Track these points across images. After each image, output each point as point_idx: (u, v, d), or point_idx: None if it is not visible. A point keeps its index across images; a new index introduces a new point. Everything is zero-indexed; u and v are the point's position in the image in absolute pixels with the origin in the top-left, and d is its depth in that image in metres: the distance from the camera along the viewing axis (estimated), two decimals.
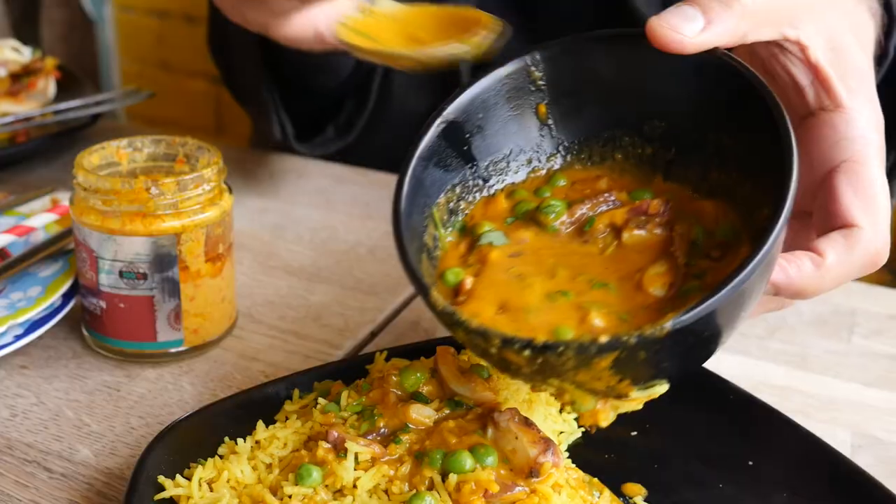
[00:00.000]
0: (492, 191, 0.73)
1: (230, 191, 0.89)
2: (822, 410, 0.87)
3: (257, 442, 0.71)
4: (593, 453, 0.76)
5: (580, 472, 0.71)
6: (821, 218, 0.70)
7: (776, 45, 0.71)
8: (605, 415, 0.65)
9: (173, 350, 0.88)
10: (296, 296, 1.01)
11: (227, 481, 0.67)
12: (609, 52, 0.70)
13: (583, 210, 0.70)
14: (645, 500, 0.72)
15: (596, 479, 0.72)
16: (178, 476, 0.67)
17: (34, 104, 1.38)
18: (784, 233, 0.58)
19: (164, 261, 0.84)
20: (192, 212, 0.84)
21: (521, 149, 0.74)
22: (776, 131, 0.61)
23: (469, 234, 0.71)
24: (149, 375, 0.87)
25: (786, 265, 0.66)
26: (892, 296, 1.08)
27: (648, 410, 0.80)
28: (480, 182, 0.73)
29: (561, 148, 0.74)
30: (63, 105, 1.34)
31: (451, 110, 0.70)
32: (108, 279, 0.84)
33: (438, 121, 0.69)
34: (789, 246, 0.68)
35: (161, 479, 0.67)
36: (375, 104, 1.25)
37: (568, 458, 0.74)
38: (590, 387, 0.61)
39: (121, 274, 0.84)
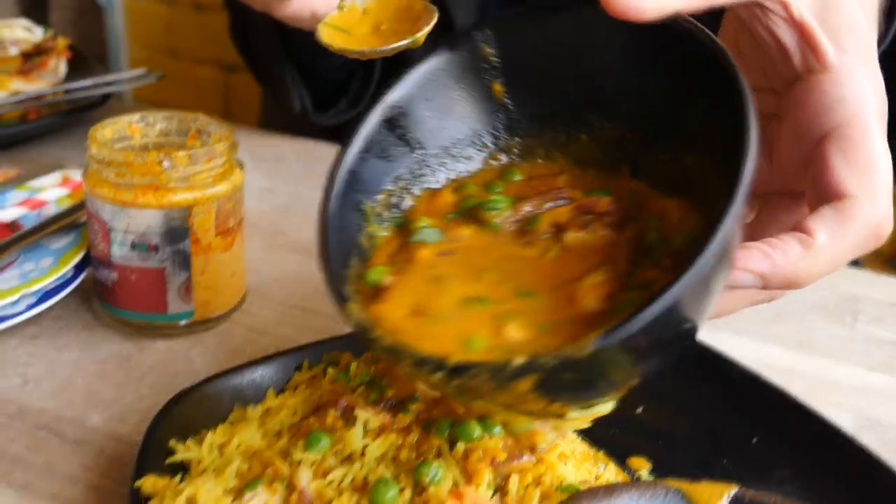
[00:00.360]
0: (440, 183, 0.68)
1: (241, 166, 0.90)
2: (826, 393, 0.88)
3: (267, 410, 0.72)
4: (598, 428, 0.76)
5: (585, 445, 0.72)
6: (813, 194, 0.63)
7: (756, 5, 0.63)
8: (544, 436, 0.61)
9: (183, 322, 0.88)
10: (304, 273, 1.02)
11: (238, 446, 0.68)
12: (565, 22, 0.64)
13: (528, 208, 0.64)
14: (650, 474, 0.73)
15: (601, 452, 0.73)
16: (188, 440, 0.68)
17: (45, 83, 1.39)
18: (737, 228, 0.52)
19: (176, 233, 0.85)
20: (203, 185, 0.85)
21: (477, 132, 0.68)
22: (733, 103, 0.53)
23: (405, 230, 0.65)
24: (159, 347, 0.87)
25: (770, 251, 0.59)
26: (892, 282, 1.09)
27: (653, 388, 0.81)
28: (429, 171, 0.68)
29: (521, 129, 0.68)
30: (74, 84, 1.35)
31: (393, 95, 0.65)
32: (119, 251, 0.85)
33: (379, 108, 0.65)
34: (779, 230, 0.63)
35: (172, 443, 0.68)
36: (381, 78, 1.30)
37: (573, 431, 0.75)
38: (520, 409, 0.57)
39: (133, 246, 0.85)
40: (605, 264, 0.58)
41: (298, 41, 1.25)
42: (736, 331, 0.96)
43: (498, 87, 0.67)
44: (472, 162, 0.68)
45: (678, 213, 0.60)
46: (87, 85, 1.36)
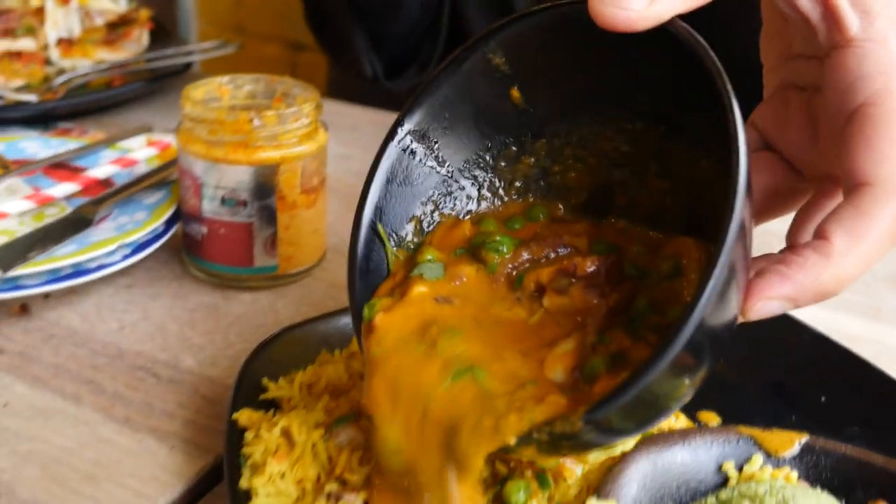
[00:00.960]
0: (467, 206, 0.68)
1: (325, 128, 0.94)
2: (893, 360, 0.89)
3: (352, 353, 0.75)
4: None
5: None
6: (842, 182, 0.57)
7: None
8: (571, 472, 0.61)
9: (267, 276, 0.92)
10: None
11: (325, 386, 0.72)
12: (563, 33, 0.61)
13: (525, 255, 0.63)
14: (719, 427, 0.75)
15: None
16: (280, 380, 0.72)
17: (129, 53, 1.44)
18: (736, 264, 0.50)
19: (264, 190, 0.89)
20: (290, 144, 0.89)
21: (504, 142, 0.67)
22: (722, 118, 0.51)
23: (413, 259, 0.65)
24: (244, 298, 0.92)
25: (788, 272, 0.55)
26: None
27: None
28: (457, 188, 0.68)
29: (546, 130, 0.66)
30: (156, 53, 1.40)
31: (408, 119, 0.64)
32: (210, 206, 0.89)
33: (396, 135, 0.65)
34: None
35: (265, 381, 0.72)
36: (447, 41, 1.34)
37: None
38: (538, 459, 0.60)
39: (222, 201, 0.89)
40: (576, 332, 0.58)
41: (367, 8, 1.31)
42: None
43: (516, 93, 0.65)
44: (505, 168, 0.68)
45: (696, 251, 0.58)
46: (168, 54, 1.41)
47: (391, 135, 0.65)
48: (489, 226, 0.66)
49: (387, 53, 1.46)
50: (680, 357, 0.49)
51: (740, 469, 0.64)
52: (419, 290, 0.61)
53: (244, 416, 0.68)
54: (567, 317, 0.60)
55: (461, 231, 0.66)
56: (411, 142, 0.65)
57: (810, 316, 0.93)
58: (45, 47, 1.36)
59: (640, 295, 0.59)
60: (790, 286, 0.55)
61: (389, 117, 1.39)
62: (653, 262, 0.61)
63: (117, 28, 1.45)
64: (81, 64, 1.38)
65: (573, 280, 0.61)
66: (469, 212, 0.68)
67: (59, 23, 1.36)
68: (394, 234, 0.66)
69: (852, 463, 0.64)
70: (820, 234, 0.55)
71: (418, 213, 0.67)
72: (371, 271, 0.64)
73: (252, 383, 0.72)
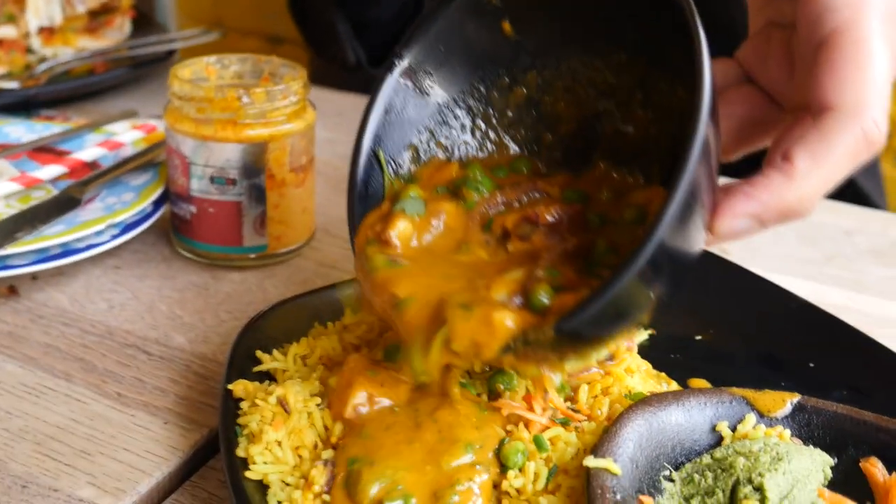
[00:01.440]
0: (464, 132, 0.71)
1: (314, 107, 0.94)
2: (879, 328, 0.90)
3: (345, 326, 0.76)
4: (659, 353, 0.80)
5: (649, 365, 0.75)
6: (811, 111, 0.60)
7: None
8: (550, 381, 0.64)
9: (256, 255, 0.92)
10: None
11: (320, 358, 0.72)
12: None
13: (500, 199, 0.67)
14: None
15: (663, 374, 0.76)
16: (274, 351, 0.72)
17: (111, 41, 1.43)
18: (699, 182, 0.52)
19: (252, 168, 0.88)
20: (278, 122, 0.89)
21: (496, 73, 0.71)
22: (689, 47, 0.54)
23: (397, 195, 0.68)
24: (234, 278, 0.91)
25: (753, 191, 0.58)
26: None
27: (711, 316, 0.84)
28: (452, 119, 0.71)
29: (538, 63, 0.70)
30: (139, 41, 1.39)
31: (405, 52, 0.68)
32: (199, 184, 0.89)
33: (393, 68, 0.68)
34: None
35: (259, 353, 0.72)
36: None
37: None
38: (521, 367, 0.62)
39: (211, 179, 0.89)
40: (527, 265, 0.62)
41: None
42: (790, 272, 0.98)
43: (507, 26, 0.69)
44: (497, 97, 0.71)
45: (663, 199, 0.57)
46: (150, 41, 1.40)
47: (389, 68, 0.68)
48: (475, 169, 0.69)
49: (370, 40, 1.46)
50: (647, 267, 0.51)
51: (734, 429, 0.64)
52: (401, 223, 0.64)
53: (239, 386, 0.68)
54: (528, 260, 0.63)
55: (448, 172, 0.69)
56: (408, 74, 0.69)
57: (796, 288, 0.94)
58: (27, 35, 1.35)
59: (600, 239, 0.62)
60: (755, 204, 0.57)
61: None
62: (618, 210, 0.64)
63: (99, 16, 1.44)
64: (63, 52, 1.37)
65: (536, 227, 0.64)
66: (464, 142, 0.71)
67: (40, 11, 1.35)
68: (392, 162, 0.69)
69: (844, 421, 0.65)
70: (784, 156, 0.58)
71: (415, 141, 0.70)
72: (369, 196, 0.67)
73: (245, 356, 0.72)
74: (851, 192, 1.27)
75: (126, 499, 0.65)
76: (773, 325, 0.83)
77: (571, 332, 0.55)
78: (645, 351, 0.80)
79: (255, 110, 0.87)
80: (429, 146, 0.71)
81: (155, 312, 0.85)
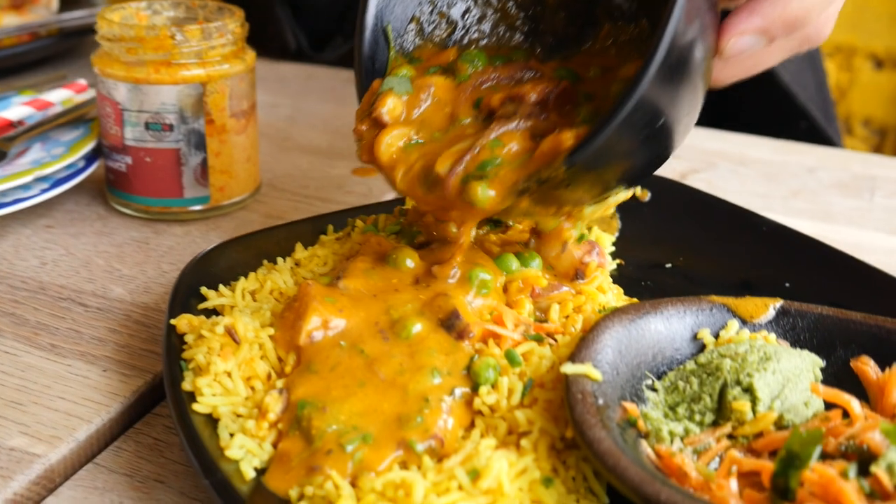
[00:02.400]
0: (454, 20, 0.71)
1: (254, 50, 0.89)
2: (850, 252, 0.88)
3: (297, 262, 0.71)
4: (630, 281, 0.76)
5: (620, 290, 0.71)
6: None
7: None
8: (568, 232, 0.65)
9: (199, 207, 0.87)
10: (316, 169, 1.01)
11: (270, 292, 0.67)
12: None
13: (493, 76, 0.66)
14: None
15: (635, 299, 0.72)
16: (221, 287, 0.67)
17: (37, 17, 1.36)
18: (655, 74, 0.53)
19: (190, 111, 0.83)
20: (216, 62, 0.83)
21: None
22: None
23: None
24: (176, 231, 0.86)
25: (755, 5, 0.59)
26: None
27: (681, 244, 0.81)
28: None
29: None
30: (67, 15, 1.33)
31: None
32: (133, 132, 0.84)
33: None
34: None
35: (204, 290, 0.67)
36: None
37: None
38: (540, 216, 0.63)
39: (147, 126, 0.83)
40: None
41: None
42: (755, 207, 0.95)
43: None
44: None
45: None
46: (77, 16, 1.34)
47: None
48: (473, 53, 0.68)
49: (311, 24, 1.41)
50: (655, 83, 0.52)
51: (716, 336, 0.61)
52: (389, 101, 0.63)
53: (183, 321, 0.62)
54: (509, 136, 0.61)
55: (446, 56, 0.68)
56: None
57: None
58: None
59: (584, 109, 0.61)
60: (759, 18, 0.57)
61: (316, 69, 1.34)
62: (605, 86, 0.62)
63: None
64: None
65: (520, 105, 0.62)
66: (465, 11, 0.71)
67: None
68: (398, 37, 0.68)
69: (830, 322, 0.61)
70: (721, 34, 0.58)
71: (417, 13, 0.69)
72: (376, 71, 0.67)
73: (189, 295, 0.67)
74: (811, 134, 1.25)
75: (62, 446, 0.59)
76: (745, 249, 0.79)
77: (583, 163, 0.55)
78: (614, 279, 0.77)
79: (189, 49, 0.82)
80: (431, 17, 0.70)
81: (91, 267, 0.80)
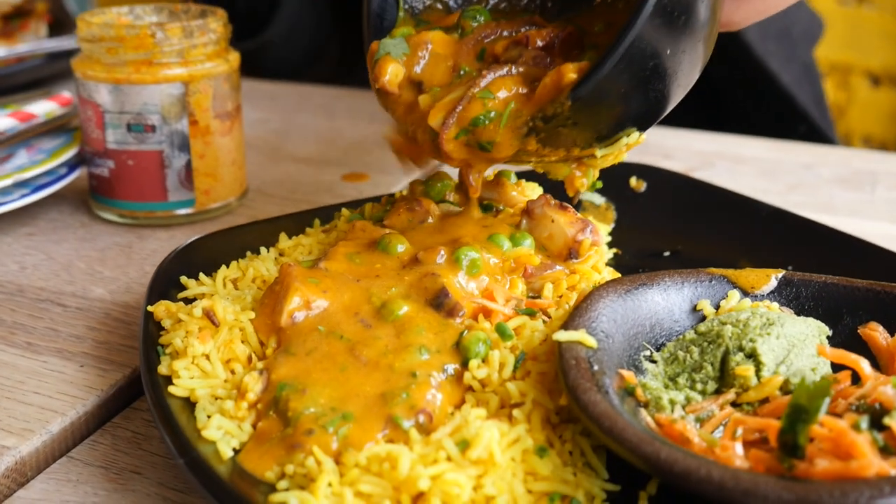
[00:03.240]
0: None
1: (238, 51, 0.87)
2: None
3: (280, 252, 0.68)
4: (627, 269, 0.73)
5: (615, 272, 0.68)
6: None
7: None
8: (580, 181, 0.64)
9: (184, 211, 0.85)
10: (305, 175, 0.99)
11: (253, 280, 0.64)
12: None
13: (497, 30, 0.66)
14: None
15: None
16: (201, 275, 0.65)
17: (27, 45, 1.36)
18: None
19: (173, 111, 0.81)
20: (199, 61, 0.82)
21: None
22: None
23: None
24: (160, 236, 0.84)
25: None
26: None
27: (678, 233, 0.78)
28: None
29: None
30: (55, 41, 1.32)
31: None
32: (115, 135, 0.82)
33: None
34: None
35: (184, 279, 0.64)
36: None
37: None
38: (549, 160, 0.62)
39: (129, 128, 0.81)
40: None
41: None
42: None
43: None
44: None
45: None
46: (65, 44, 1.33)
47: None
48: (475, 8, 0.68)
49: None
50: (655, 15, 0.52)
51: (717, 307, 0.58)
52: (390, 68, 0.63)
53: (160, 307, 0.60)
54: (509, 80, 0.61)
55: (451, 18, 0.67)
56: None
57: None
58: None
59: (588, 54, 0.60)
60: None
61: (309, 88, 1.33)
62: (610, 38, 0.60)
63: (12, 20, 1.37)
64: None
65: (525, 49, 0.60)
66: None
67: None
68: None
69: (835, 290, 0.59)
70: None
71: None
72: (384, 29, 0.67)
73: (168, 285, 0.64)
74: (810, 137, 1.23)
75: (34, 438, 0.56)
76: (744, 233, 0.77)
77: (587, 97, 0.55)
78: (611, 267, 0.74)
79: (171, 48, 0.80)
80: None
81: (72, 270, 0.77)
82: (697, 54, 0.58)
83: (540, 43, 0.61)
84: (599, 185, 0.65)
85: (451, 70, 0.63)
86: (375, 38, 0.65)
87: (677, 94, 0.59)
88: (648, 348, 0.55)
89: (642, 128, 0.61)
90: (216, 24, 0.83)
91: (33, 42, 1.37)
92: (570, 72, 0.55)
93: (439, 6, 0.69)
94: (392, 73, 0.62)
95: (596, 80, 0.54)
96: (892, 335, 0.55)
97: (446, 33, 0.65)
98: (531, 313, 0.58)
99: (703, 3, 0.56)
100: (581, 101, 0.55)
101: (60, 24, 1.45)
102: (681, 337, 0.56)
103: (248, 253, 0.69)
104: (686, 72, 0.58)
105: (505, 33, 0.65)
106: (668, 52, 0.55)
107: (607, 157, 0.62)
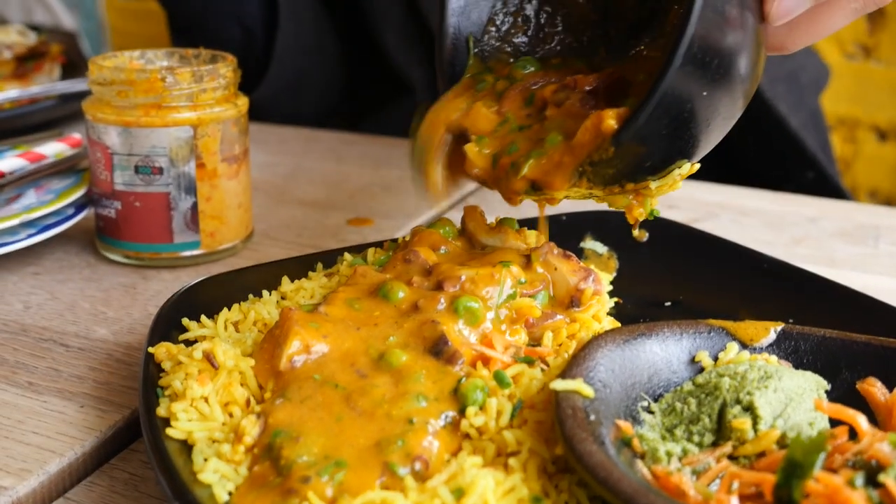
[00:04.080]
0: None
1: (246, 96, 0.88)
2: None
3: (283, 295, 0.69)
4: (628, 318, 0.74)
5: (615, 322, 0.69)
6: None
7: None
8: (637, 210, 0.65)
9: (189, 253, 0.85)
10: (311, 219, 0.99)
11: (254, 323, 0.65)
12: None
13: (546, 79, 0.68)
14: None
15: None
16: (203, 318, 0.65)
17: (40, 86, 1.38)
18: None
19: (181, 154, 0.82)
20: (208, 105, 0.83)
21: None
22: None
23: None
24: (165, 277, 0.84)
25: None
26: None
27: (680, 283, 0.78)
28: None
29: None
30: (68, 82, 1.34)
31: None
32: (123, 177, 0.83)
33: None
34: None
35: (185, 321, 0.65)
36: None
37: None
38: (607, 195, 0.64)
39: (136, 170, 0.82)
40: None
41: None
42: None
43: None
44: None
45: None
46: (79, 86, 1.35)
47: None
48: (526, 59, 0.71)
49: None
50: (689, 58, 0.54)
51: (715, 360, 0.58)
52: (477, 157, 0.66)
53: (161, 349, 0.60)
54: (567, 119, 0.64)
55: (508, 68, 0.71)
56: None
57: None
58: None
59: (629, 101, 0.62)
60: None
61: (318, 133, 1.34)
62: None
63: (27, 62, 1.39)
64: None
65: (573, 92, 0.63)
66: (539, 8, 0.73)
67: None
68: (477, 43, 0.72)
69: (833, 344, 0.59)
70: None
71: (493, 15, 0.72)
72: (456, 75, 0.70)
73: (170, 326, 0.65)
74: (819, 185, 1.24)
75: (31, 479, 0.56)
76: (745, 286, 0.77)
77: (628, 141, 0.57)
78: (612, 316, 0.74)
79: (180, 92, 0.81)
80: (506, 18, 0.73)
81: (76, 310, 0.78)
82: (736, 91, 0.60)
83: (587, 88, 0.64)
84: (658, 213, 0.67)
85: (496, 117, 0.66)
86: (450, 85, 0.69)
87: (723, 127, 0.62)
88: (646, 399, 0.55)
89: (692, 158, 0.63)
90: (226, 69, 0.84)
91: (46, 83, 1.39)
92: (610, 118, 0.58)
93: (508, 49, 0.72)
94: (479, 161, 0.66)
95: (634, 127, 0.56)
96: (890, 391, 0.55)
97: (501, 82, 0.69)
98: (530, 361, 0.58)
99: (739, 51, 0.58)
100: (622, 146, 0.57)
101: (74, 66, 1.48)
102: (678, 388, 0.56)
103: (251, 296, 0.69)
104: (727, 105, 0.60)
105: (553, 80, 0.68)
106: (705, 94, 0.57)
107: (662, 187, 0.64)
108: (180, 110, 0.82)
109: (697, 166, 0.64)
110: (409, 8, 1.36)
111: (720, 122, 0.61)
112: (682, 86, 0.55)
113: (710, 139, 0.62)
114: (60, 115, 1.29)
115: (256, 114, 1.32)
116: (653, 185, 0.63)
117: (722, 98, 0.59)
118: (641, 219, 0.65)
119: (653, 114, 0.56)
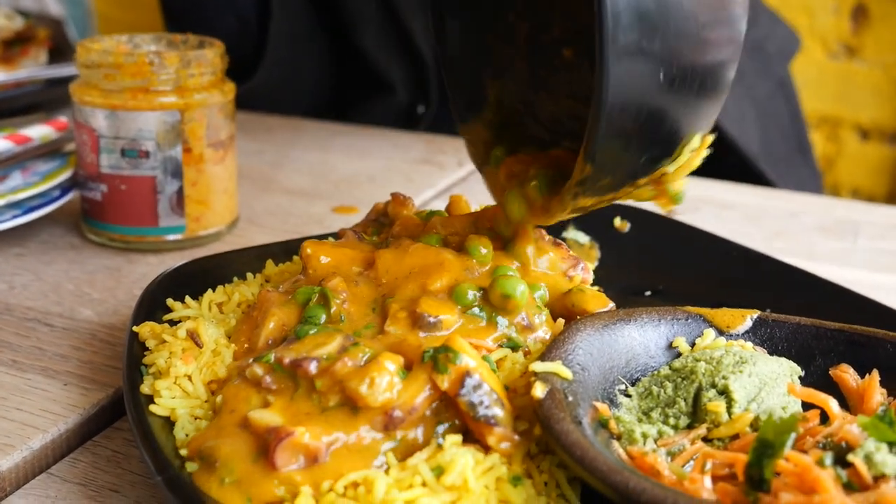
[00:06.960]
0: None
1: (233, 82, 0.89)
2: None
3: (267, 278, 0.69)
4: None
5: None
6: None
7: None
8: (663, 200, 0.61)
9: (174, 237, 0.86)
10: (297, 207, 1.00)
11: (238, 305, 0.65)
12: None
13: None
14: None
15: None
16: (187, 298, 0.65)
17: (27, 71, 1.37)
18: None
19: (167, 138, 0.83)
20: (195, 90, 0.83)
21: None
22: None
23: None
24: (150, 260, 0.85)
25: None
26: (892, 210, 1.09)
27: (660, 273, 0.79)
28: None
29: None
30: (55, 67, 1.34)
31: None
32: (109, 160, 0.83)
33: None
34: None
35: (170, 301, 0.65)
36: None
37: None
38: (625, 196, 0.61)
39: (123, 153, 0.83)
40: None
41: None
42: None
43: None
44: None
45: None
46: (65, 70, 1.35)
47: None
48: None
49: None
50: (622, 48, 0.49)
51: (692, 345, 0.59)
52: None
53: (145, 328, 0.61)
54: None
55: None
56: None
57: None
58: None
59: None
60: None
61: (305, 122, 1.34)
62: None
63: (13, 46, 1.39)
64: None
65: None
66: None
67: None
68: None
69: (808, 332, 0.60)
70: None
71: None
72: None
73: (154, 307, 0.65)
74: (741, 171, 1.25)
75: (15, 454, 0.57)
76: (724, 275, 0.78)
77: (601, 152, 0.53)
78: None
79: (167, 76, 0.82)
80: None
81: (61, 291, 0.78)
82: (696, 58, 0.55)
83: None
84: (683, 197, 0.62)
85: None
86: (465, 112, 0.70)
87: (689, 90, 0.56)
88: (623, 382, 0.56)
89: (704, 130, 0.59)
90: (213, 55, 0.85)
91: (33, 68, 1.39)
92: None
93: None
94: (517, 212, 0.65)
95: (598, 132, 0.52)
96: (862, 377, 0.57)
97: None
98: (515, 347, 0.58)
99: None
100: (596, 161, 0.54)
101: (61, 50, 1.47)
102: (656, 372, 0.57)
103: (235, 278, 0.70)
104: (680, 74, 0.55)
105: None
106: (662, 73, 0.53)
107: (680, 168, 0.59)
108: (167, 94, 0.82)
109: (711, 137, 0.60)
110: (386, 8, 1.37)
111: (697, 89, 0.55)
112: (624, 82, 0.51)
113: (700, 110, 0.57)
114: (46, 99, 1.29)
115: (250, 105, 1.32)
116: (669, 168, 0.59)
117: (675, 80, 0.54)
118: (671, 207, 0.62)
119: (608, 120, 0.51)
